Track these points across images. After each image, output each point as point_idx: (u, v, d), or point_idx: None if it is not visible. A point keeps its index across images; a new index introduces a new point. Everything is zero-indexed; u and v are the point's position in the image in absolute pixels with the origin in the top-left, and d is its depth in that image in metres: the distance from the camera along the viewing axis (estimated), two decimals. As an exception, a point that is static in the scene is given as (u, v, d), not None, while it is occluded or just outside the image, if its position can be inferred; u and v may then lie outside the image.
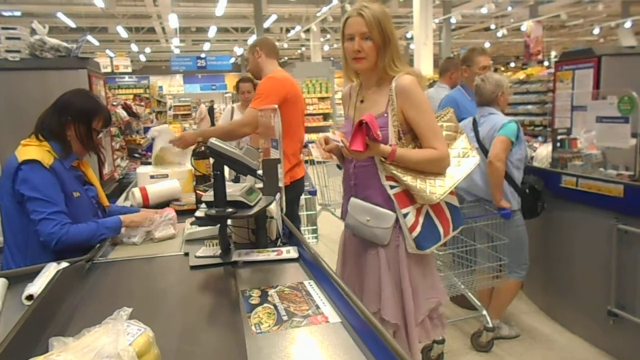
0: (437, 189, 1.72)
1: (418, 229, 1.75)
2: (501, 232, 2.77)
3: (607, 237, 2.65)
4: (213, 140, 1.51)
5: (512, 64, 28.77)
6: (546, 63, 20.62)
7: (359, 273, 1.90)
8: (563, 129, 3.19)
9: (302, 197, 3.63)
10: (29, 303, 1.30)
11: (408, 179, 1.72)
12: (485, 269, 2.85)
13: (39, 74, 2.67)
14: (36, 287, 1.35)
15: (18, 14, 14.52)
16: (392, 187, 1.76)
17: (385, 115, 1.76)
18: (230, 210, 1.50)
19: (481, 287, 2.92)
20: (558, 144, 2.99)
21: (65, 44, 2.75)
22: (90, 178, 1.97)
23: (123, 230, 1.86)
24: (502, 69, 26.39)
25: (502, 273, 2.88)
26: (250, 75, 4.49)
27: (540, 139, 4.62)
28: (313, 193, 4.04)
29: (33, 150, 1.73)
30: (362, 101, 1.88)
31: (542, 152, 3.24)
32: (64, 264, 1.50)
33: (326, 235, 4.60)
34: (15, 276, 1.49)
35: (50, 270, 1.46)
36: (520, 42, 18.36)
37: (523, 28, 15.41)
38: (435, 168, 1.75)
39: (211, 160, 2.65)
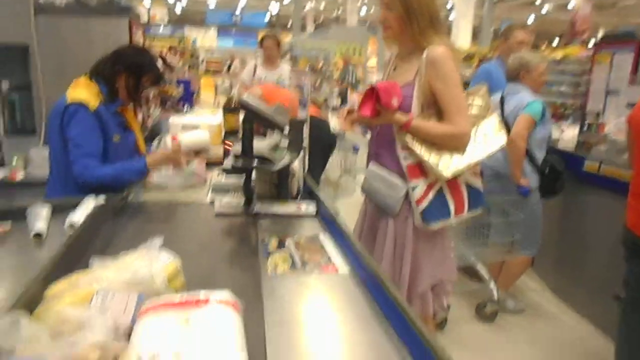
0: (450, 165, 1.69)
1: (425, 203, 1.72)
2: (517, 208, 2.81)
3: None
4: (246, 96, 1.59)
5: (556, 43, 27.66)
6: (592, 43, 19.73)
7: (372, 242, 1.94)
8: (593, 113, 3.15)
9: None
10: (71, 231, 1.44)
11: (422, 151, 1.70)
12: (497, 243, 2.91)
13: (82, 19, 2.77)
14: (77, 216, 1.49)
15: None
16: (405, 157, 1.75)
17: (412, 84, 1.74)
18: (255, 163, 1.60)
19: (492, 260, 3.00)
20: (585, 127, 2.97)
21: (108, -9, 2.83)
22: (132, 124, 2.09)
23: (153, 173, 1.96)
24: (543, 48, 25.38)
25: (514, 248, 2.94)
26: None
27: (570, 120, 4.56)
28: (356, 149, 4.11)
29: (82, 91, 1.84)
30: (394, 69, 1.89)
31: (568, 134, 3.22)
32: (102, 199, 1.63)
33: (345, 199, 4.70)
34: (58, 204, 1.62)
35: (89, 202, 1.60)
36: (567, 20, 17.59)
37: (570, 5, 14.78)
38: (452, 144, 1.71)
39: (241, 115, 2.75)
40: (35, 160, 2.46)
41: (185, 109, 4.43)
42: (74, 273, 0.97)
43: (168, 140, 2.50)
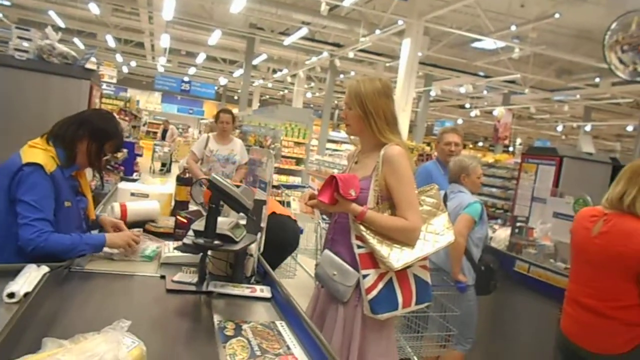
0: (400, 258, 1.77)
1: (374, 292, 1.78)
2: (454, 303, 2.91)
3: (549, 325, 2.83)
4: (215, 175, 1.61)
5: (480, 144, 30.29)
6: (511, 148, 21.85)
7: (321, 327, 1.94)
8: (522, 217, 3.44)
9: None
10: (10, 300, 1.33)
11: (374, 242, 1.78)
12: (434, 336, 2.97)
13: (43, 76, 2.71)
14: (18, 285, 1.38)
15: (7, 3, 14.37)
16: (359, 246, 1.82)
17: (369, 178, 1.87)
18: (217, 242, 1.59)
19: (427, 354, 3.03)
20: (516, 230, 3.23)
21: (73, 53, 2.82)
22: (84, 189, 2.01)
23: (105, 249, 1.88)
24: (470, 146, 27.69)
25: (448, 343, 3.00)
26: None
27: (499, 221, 4.92)
28: (300, 231, 4.13)
29: (39, 153, 1.77)
30: (356, 162, 2.02)
31: (501, 235, 3.47)
32: (45, 268, 1.53)
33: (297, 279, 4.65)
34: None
35: (31, 271, 1.49)
36: (490, 124, 19.44)
37: (495, 113, 16.39)
38: (403, 237, 1.80)
39: (191, 188, 2.73)
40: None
41: (133, 175, 4.32)
42: (26, 356, 0.90)
43: (116, 206, 2.43)
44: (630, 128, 17.98)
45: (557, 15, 8.39)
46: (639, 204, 1.97)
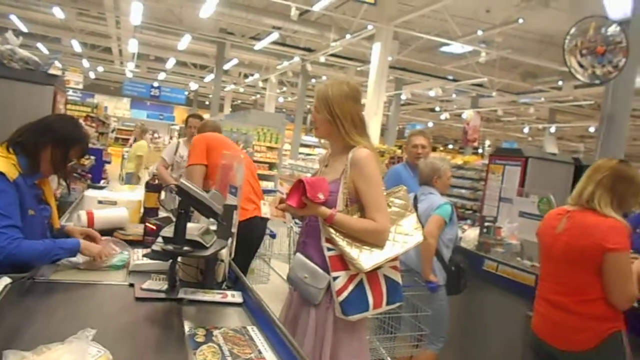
0: (370, 259, 1.80)
1: (345, 294, 1.79)
2: (425, 304, 2.95)
3: (518, 322, 2.90)
4: (183, 180, 1.60)
5: (451, 146, 30.87)
6: (480, 150, 22.33)
7: (294, 330, 1.95)
8: (490, 217, 3.52)
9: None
10: (-30, 314, 1.29)
11: (344, 244, 1.80)
12: (406, 337, 3.00)
13: (3, 82, 2.61)
14: (-22, 298, 1.34)
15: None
16: (329, 249, 1.83)
17: (338, 182, 1.89)
18: (187, 248, 1.57)
19: (400, 355, 3.06)
20: (484, 230, 3.30)
21: (35, 58, 2.74)
22: (48, 197, 1.96)
23: (78, 256, 1.84)
24: (441, 149, 28.17)
25: (421, 343, 3.04)
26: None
27: (469, 221, 5.02)
28: (273, 236, 4.09)
29: (0, 161, 1.72)
30: (326, 165, 2.04)
31: (470, 235, 3.54)
32: (6, 279, 1.48)
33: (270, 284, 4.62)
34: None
35: (-8, 282, 1.44)
36: (460, 127, 19.80)
37: (464, 115, 16.72)
38: (372, 239, 1.82)
39: (162, 194, 2.70)
40: None
41: (101, 182, 4.23)
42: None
43: (83, 215, 2.37)
44: (592, 129, 18.61)
45: (520, 21, 8.65)
46: (597, 199, 2.05)
